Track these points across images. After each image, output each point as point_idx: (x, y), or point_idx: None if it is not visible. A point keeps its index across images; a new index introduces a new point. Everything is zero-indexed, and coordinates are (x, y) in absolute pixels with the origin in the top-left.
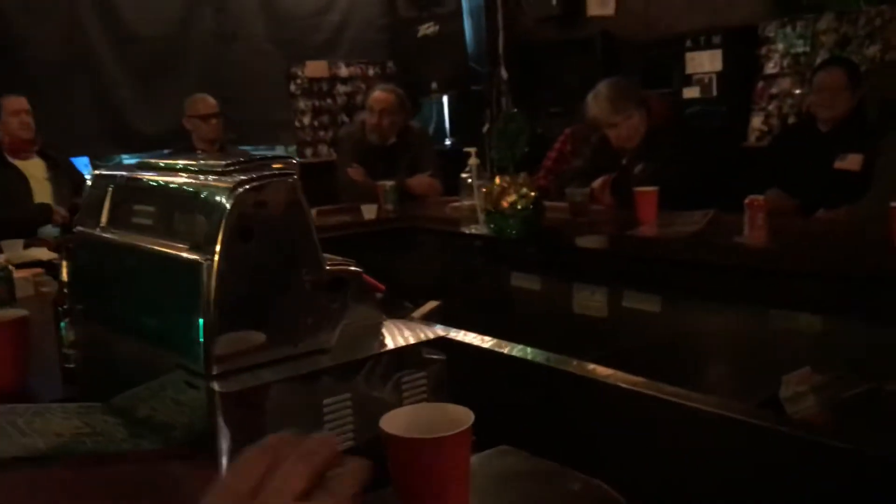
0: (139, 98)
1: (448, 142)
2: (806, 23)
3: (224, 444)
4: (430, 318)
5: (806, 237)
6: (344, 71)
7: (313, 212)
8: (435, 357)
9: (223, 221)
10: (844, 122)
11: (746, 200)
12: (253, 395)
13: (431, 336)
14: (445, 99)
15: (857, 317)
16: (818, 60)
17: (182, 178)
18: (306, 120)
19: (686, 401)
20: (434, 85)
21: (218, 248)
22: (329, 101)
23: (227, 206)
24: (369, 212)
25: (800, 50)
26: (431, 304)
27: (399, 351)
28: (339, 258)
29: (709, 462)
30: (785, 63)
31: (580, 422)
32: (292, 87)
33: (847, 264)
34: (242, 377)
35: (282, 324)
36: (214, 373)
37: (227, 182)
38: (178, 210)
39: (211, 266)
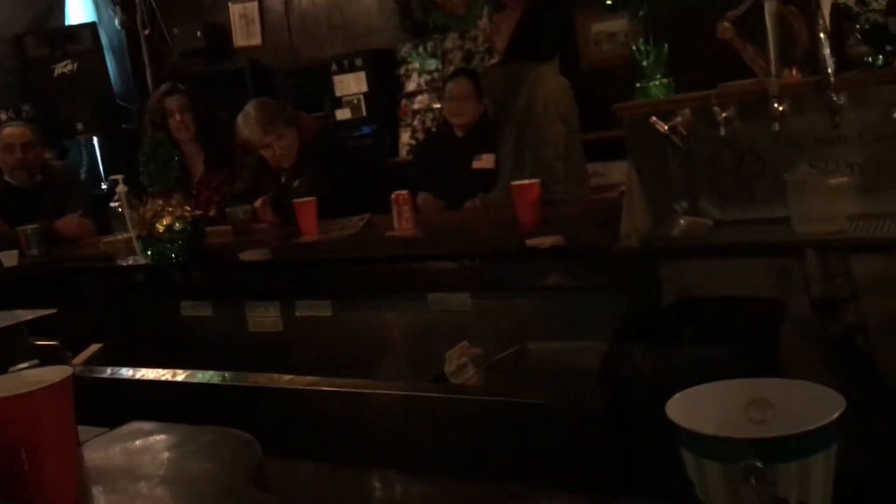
0: None
1: (104, 185)
2: (435, 43)
3: None
4: (92, 362)
5: (450, 225)
6: None
7: None
8: (48, 343)
9: None
10: (475, 127)
11: (392, 196)
12: None
13: (40, 315)
14: (96, 140)
15: (499, 289)
16: None
17: None
18: None
19: (359, 388)
20: (80, 126)
21: None
22: None
23: None
24: (9, 259)
25: (433, 67)
26: (93, 348)
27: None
28: None
29: (388, 438)
30: (422, 80)
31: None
32: None
33: (485, 243)
34: None
35: None
36: None
37: None
38: None
39: None
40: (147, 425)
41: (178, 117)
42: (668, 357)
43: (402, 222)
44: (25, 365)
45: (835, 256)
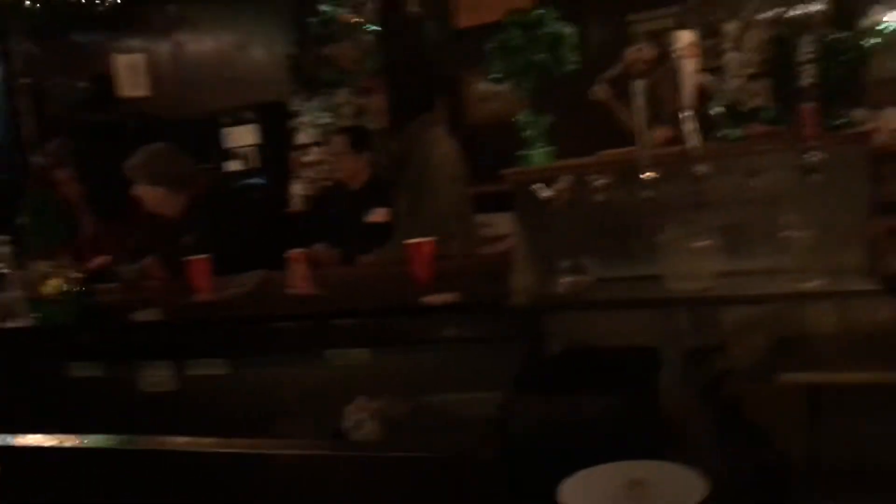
0: None
1: None
2: (327, 97)
3: None
4: None
5: (347, 281)
6: None
7: None
8: None
9: None
10: (369, 181)
11: (287, 255)
12: None
13: None
14: None
15: (396, 343)
16: None
17: None
18: None
19: (258, 449)
20: None
21: None
22: None
23: None
24: None
25: (325, 121)
26: None
27: None
28: None
29: (287, 497)
30: (314, 133)
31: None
32: None
33: (381, 299)
34: None
35: None
36: None
37: None
38: None
39: None
40: None
41: (66, 189)
42: (556, 404)
43: (297, 280)
44: None
45: (703, 311)
